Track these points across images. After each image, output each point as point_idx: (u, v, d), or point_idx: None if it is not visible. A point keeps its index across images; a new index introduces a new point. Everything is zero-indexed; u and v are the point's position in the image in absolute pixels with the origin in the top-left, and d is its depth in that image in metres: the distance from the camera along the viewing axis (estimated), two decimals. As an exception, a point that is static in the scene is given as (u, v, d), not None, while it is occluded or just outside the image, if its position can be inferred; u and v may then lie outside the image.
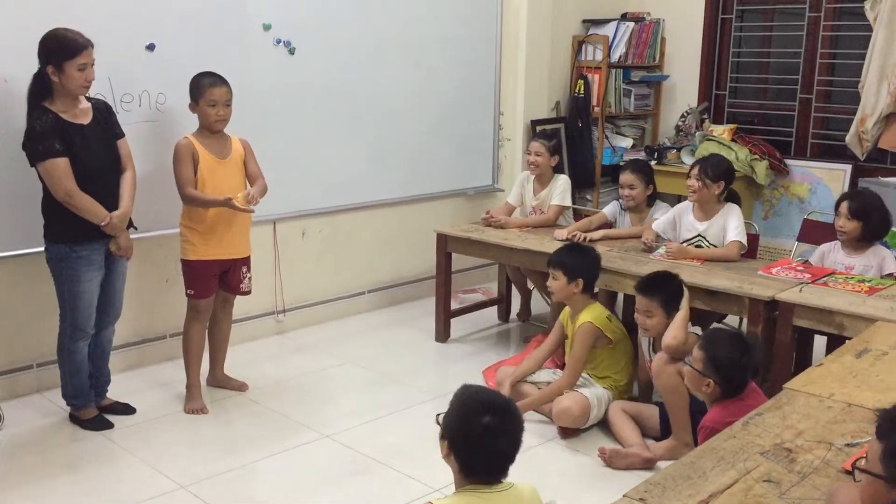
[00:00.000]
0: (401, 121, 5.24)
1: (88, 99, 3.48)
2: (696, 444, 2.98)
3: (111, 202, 3.46)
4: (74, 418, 3.67)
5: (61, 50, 3.27)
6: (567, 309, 3.88)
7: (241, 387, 4.08)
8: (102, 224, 3.41)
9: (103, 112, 3.52)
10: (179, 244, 3.84)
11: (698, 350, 2.87)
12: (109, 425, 3.65)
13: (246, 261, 3.96)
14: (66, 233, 3.41)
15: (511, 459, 2.00)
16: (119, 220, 3.47)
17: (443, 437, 2.00)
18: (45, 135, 3.27)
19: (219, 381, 4.10)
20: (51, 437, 3.57)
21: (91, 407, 3.68)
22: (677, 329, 3.33)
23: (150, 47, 4.03)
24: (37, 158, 3.30)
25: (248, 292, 4.03)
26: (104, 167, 3.47)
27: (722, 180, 4.08)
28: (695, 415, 3.36)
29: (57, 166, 3.29)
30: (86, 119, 3.42)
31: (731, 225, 4.03)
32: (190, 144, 3.72)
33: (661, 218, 4.31)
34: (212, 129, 3.75)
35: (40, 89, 3.33)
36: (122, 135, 3.59)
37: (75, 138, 3.35)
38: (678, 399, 3.33)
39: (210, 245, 3.80)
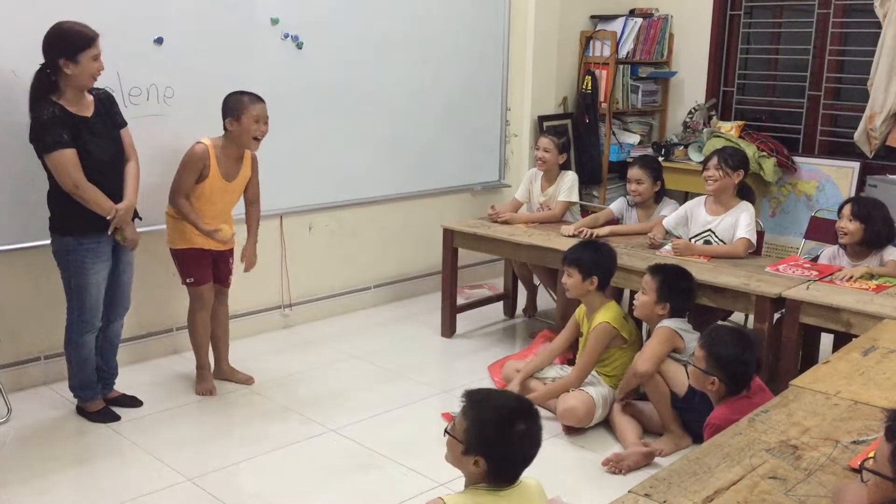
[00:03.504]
0: (408, 116, 5.23)
1: (90, 90, 3.46)
2: (698, 439, 3.00)
3: (116, 193, 3.47)
4: (81, 410, 3.69)
5: (74, 42, 3.26)
6: (582, 306, 3.87)
7: (246, 380, 4.09)
8: (109, 216, 3.41)
9: (105, 102, 3.51)
10: (167, 234, 3.86)
11: (700, 349, 2.87)
12: (116, 417, 3.66)
13: (232, 252, 4.00)
14: (73, 225, 3.42)
15: (533, 460, 2.02)
16: (125, 212, 3.47)
17: (468, 451, 1.96)
18: (53, 126, 3.27)
19: (224, 373, 4.11)
20: (58, 430, 3.58)
21: (98, 399, 3.69)
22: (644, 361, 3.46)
23: (159, 41, 4.03)
24: (45, 150, 3.30)
25: (230, 284, 4.05)
26: (109, 158, 3.47)
27: (741, 169, 4.11)
28: (676, 411, 3.47)
29: (65, 158, 3.29)
30: (89, 111, 3.42)
31: (742, 222, 4.02)
32: (206, 157, 3.72)
33: (672, 214, 4.30)
34: (249, 147, 3.78)
35: (46, 83, 3.31)
36: (124, 123, 3.58)
37: (82, 130, 3.35)
38: (661, 398, 3.46)
39: (201, 236, 3.81)
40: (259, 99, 3.76)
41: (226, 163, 3.78)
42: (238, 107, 3.72)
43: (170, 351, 4.39)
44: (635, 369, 3.45)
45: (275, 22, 4.48)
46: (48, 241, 3.54)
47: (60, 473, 3.24)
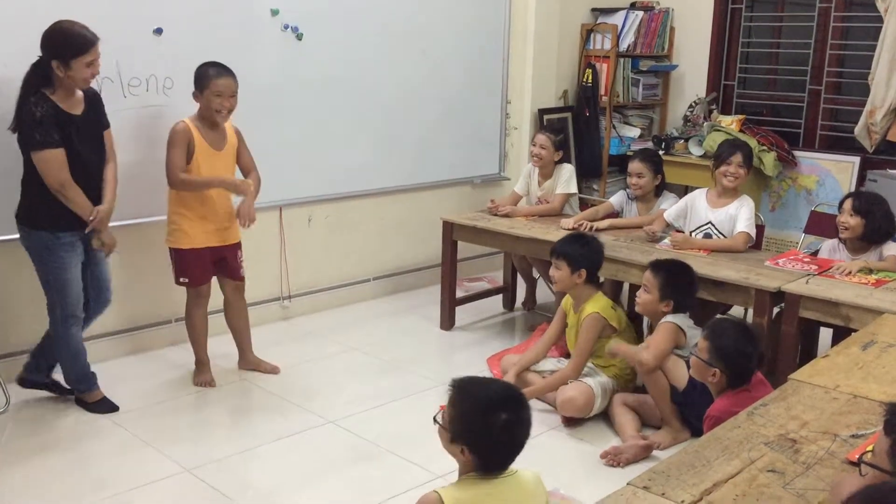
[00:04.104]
0: (408, 108, 5.22)
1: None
2: (697, 433, 3.00)
3: (97, 195, 3.44)
4: (80, 401, 3.68)
5: (69, 46, 3.22)
6: (568, 297, 3.87)
7: (273, 369, 4.11)
8: (90, 218, 3.38)
9: (93, 102, 3.45)
10: (167, 233, 3.84)
11: (703, 340, 2.88)
12: (115, 408, 3.65)
13: (239, 245, 3.98)
14: (50, 220, 3.36)
15: (523, 447, 2.00)
16: (105, 215, 3.44)
17: (454, 440, 1.96)
18: (44, 123, 3.22)
19: (250, 363, 4.13)
20: (56, 420, 3.58)
21: (96, 389, 3.68)
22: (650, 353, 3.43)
23: (158, 31, 4.02)
24: (34, 147, 3.23)
25: (244, 277, 4.04)
26: (94, 159, 3.44)
27: (751, 164, 4.20)
28: (674, 405, 3.46)
29: (55, 157, 3.25)
30: (79, 110, 3.37)
31: (742, 216, 4.03)
32: (188, 130, 3.69)
33: (673, 206, 4.30)
34: (214, 120, 3.73)
35: (40, 78, 3.25)
36: (108, 125, 3.54)
37: (70, 129, 3.30)
38: (655, 388, 3.45)
39: (203, 232, 3.80)
40: (224, 72, 3.70)
41: (208, 134, 3.75)
42: (201, 81, 3.69)
43: (169, 342, 4.39)
44: (640, 359, 3.42)
45: (275, 13, 4.46)
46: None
47: (58, 464, 3.24)
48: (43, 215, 3.37)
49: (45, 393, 3.79)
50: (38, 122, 3.22)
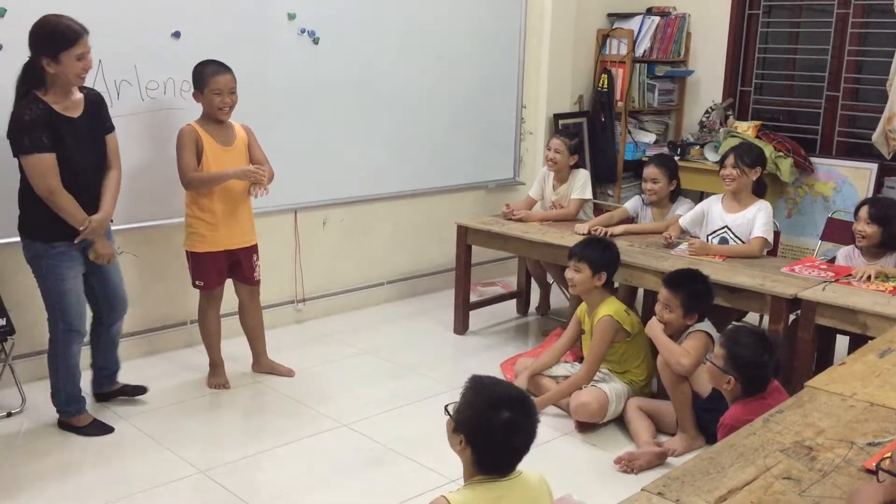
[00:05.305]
0: (423, 112, 5.23)
1: (81, 89, 3.28)
2: (713, 440, 2.98)
3: (93, 203, 3.31)
4: (66, 425, 3.48)
5: (56, 40, 3.08)
6: (583, 304, 3.86)
7: (288, 372, 4.12)
8: (81, 228, 3.25)
9: (95, 104, 3.32)
10: (185, 236, 3.86)
11: (720, 347, 2.85)
12: (109, 430, 3.49)
13: (255, 249, 3.98)
14: (43, 229, 3.25)
15: (526, 452, 2.00)
16: (98, 225, 3.29)
17: (456, 430, 1.99)
18: (33, 127, 3.08)
19: (265, 367, 4.14)
20: (71, 420, 3.60)
21: (85, 412, 3.51)
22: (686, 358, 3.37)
23: (176, 35, 4.05)
24: (22, 151, 3.11)
25: (259, 281, 4.05)
26: (91, 165, 3.31)
27: (758, 165, 4.10)
28: (698, 412, 3.42)
29: (42, 162, 3.11)
30: (76, 112, 3.23)
31: (759, 221, 4.00)
32: (194, 131, 3.71)
33: (689, 213, 4.28)
34: (217, 118, 3.75)
35: (32, 78, 3.12)
36: (112, 128, 3.41)
37: (64, 132, 3.17)
38: (681, 396, 3.41)
39: (219, 235, 3.81)
40: (221, 69, 3.70)
41: (215, 132, 3.75)
42: (199, 80, 3.70)
43: (183, 344, 4.41)
44: (680, 360, 3.34)
45: (291, 17, 4.49)
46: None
47: (72, 464, 3.26)
48: (37, 225, 3.25)
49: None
50: (26, 126, 3.08)
